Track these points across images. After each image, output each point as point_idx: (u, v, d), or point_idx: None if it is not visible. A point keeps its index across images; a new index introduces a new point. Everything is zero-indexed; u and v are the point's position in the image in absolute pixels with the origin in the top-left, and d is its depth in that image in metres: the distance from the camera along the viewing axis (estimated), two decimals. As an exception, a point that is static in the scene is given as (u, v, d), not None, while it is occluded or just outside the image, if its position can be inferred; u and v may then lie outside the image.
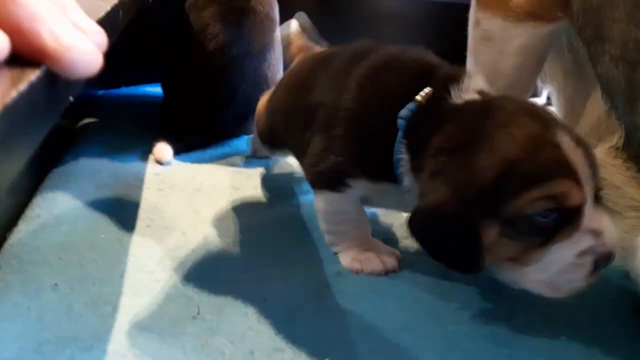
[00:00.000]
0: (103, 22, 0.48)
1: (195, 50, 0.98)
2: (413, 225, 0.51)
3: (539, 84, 0.85)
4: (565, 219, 0.47)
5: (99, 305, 0.56)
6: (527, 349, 0.51)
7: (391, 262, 0.62)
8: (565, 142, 0.47)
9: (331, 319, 0.55)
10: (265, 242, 0.69)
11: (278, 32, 1.05)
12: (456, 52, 0.70)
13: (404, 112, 0.55)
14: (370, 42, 0.68)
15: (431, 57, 0.61)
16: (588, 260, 0.48)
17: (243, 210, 0.76)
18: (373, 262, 0.62)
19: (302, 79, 0.70)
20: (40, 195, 0.77)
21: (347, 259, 0.64)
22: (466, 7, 0.72)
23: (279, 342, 0.52)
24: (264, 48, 1.01)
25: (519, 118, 0.49)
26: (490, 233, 0.48)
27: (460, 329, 0.53)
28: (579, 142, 0.48)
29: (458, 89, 0.54)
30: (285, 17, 1.08)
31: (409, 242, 0.69)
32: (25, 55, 0.28)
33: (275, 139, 0.79)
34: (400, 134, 0.55)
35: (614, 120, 0.62)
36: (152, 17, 1.26)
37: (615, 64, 0.56)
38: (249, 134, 1.02)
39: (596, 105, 0.67)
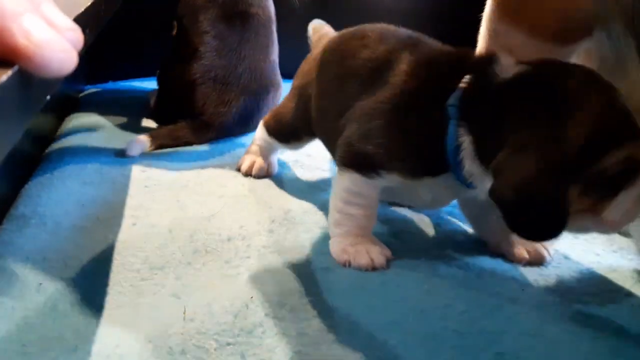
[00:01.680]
0: (83, 18, 0.48)
1: (197, 52, 0.98)
2: (503, 199, 0.53)
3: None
4: (634, 171, 0.52)
5: (83, 305, 0.55)
6: (515, 346, 0.51)
7: (379, 259, 0.62)
8: (627, 105, 0.52)
9: (319, 315, 0.54)
10: (252, 238, 0.68)
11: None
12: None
13: (452, 100, 0.57)
14: (389, 26, 0.70)
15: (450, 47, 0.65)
16: None
17: (230, 208, 0.75)
18: (362, 257, 0.62)
19: (336, 64, 0.70)
20: (25, 194, 0.77)
21: (337, 248, 0.63)
22: (461, 2, 0.70)
23: (266, 340, 0.51)
24: (266, 50, 1.01)
25: (588, 87, 0.53)
26: (572, 195, 0.52)
27: (448, 325, 0.53)
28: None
29: (497, 65, 0.57)
30: (283, 14, 1.07)
31: (399, 240, 0.69)
32: (-3, 53, 0.27)
33: (299, 129, 0.79)
34: (453, 121, 0.57)
35: None
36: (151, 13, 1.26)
37: None
38: (250, 132, 1.02)
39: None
